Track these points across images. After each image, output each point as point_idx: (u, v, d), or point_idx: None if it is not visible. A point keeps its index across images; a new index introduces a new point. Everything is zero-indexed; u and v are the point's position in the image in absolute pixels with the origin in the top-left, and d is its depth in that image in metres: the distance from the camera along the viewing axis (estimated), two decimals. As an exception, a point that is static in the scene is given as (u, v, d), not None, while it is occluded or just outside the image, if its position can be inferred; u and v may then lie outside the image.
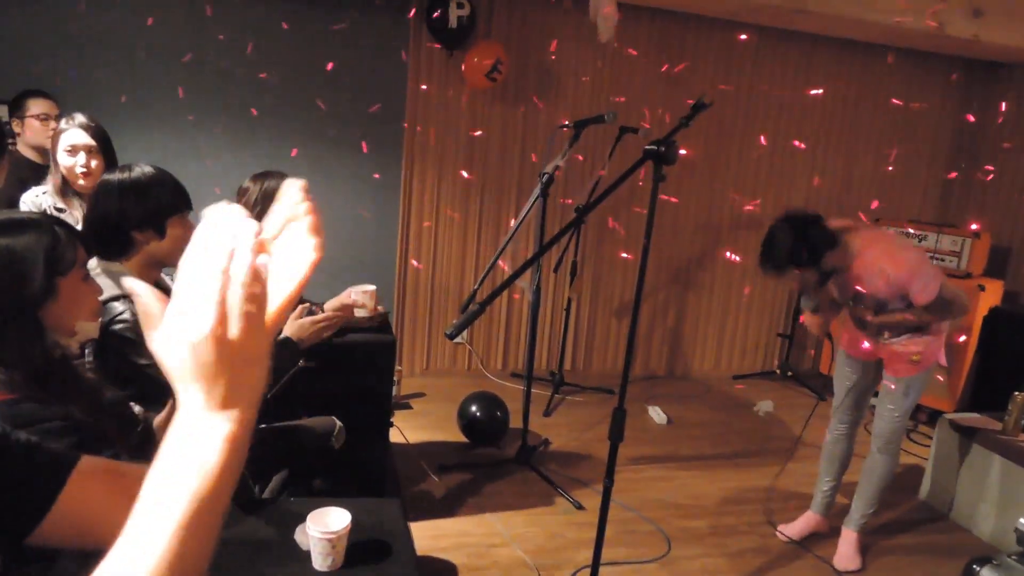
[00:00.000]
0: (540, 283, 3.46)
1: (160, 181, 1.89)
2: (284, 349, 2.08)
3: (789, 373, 5.37)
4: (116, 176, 1.86)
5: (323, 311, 2.37)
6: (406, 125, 4.44)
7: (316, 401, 2.51)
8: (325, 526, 1.50)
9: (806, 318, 2.89)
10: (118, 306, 1.79)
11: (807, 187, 5.28)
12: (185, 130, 4.04)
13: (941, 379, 2.96)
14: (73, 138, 2.56)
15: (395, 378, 3.88)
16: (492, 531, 2.99)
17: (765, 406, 4.69)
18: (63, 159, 2.57)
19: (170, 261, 1.97)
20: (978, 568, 1.48)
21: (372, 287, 2.57)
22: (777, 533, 3.16)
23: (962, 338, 4.32)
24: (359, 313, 2.50)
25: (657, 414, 4.41)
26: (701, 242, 5.20)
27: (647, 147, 1.91)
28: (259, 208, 2.55)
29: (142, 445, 1.37)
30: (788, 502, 3.45)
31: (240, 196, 2.60)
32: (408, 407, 4.26)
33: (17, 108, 3.12)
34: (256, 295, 0.59)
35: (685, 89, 4.72)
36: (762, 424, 4.49)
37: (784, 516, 3.27)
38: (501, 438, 3.78)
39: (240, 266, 0.58)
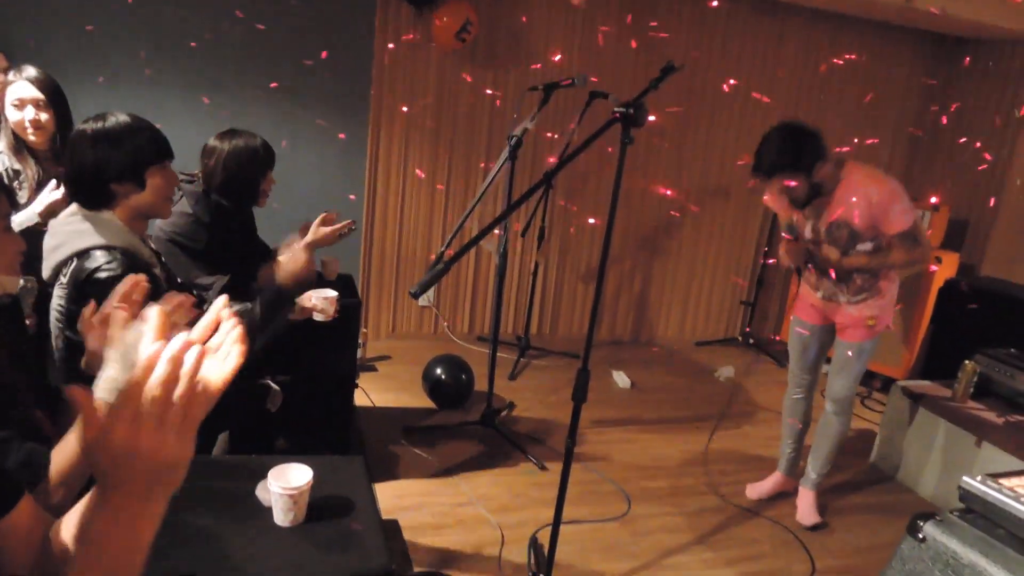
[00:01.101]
0: (507, 247, 3.46)
1: (135, 130, 1.82)
2: (280, 306, 2.06)
3: (751, 341, 5.48)
4: (90, 126, 1.80)
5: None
6: (372, 85, 4.36)
7: (280, 360, 2.49)
8: (287, 482, 1.51)
9: (785, 247, 2.88)
10: (100, 255, 1.74)
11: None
12: (143, 90, 3.91)
13: (892, 327, 3.01)
14: (20, 91, 2.46)
15: (360, 340, 3.87)
16: (456, 491, 3.02)
17: (726, 372, 4.78)
18: (11, 114, 2.47)
19: (154, 212, 1.92)
20: (922, 523, 1.54)
21: (333, 293, 2.48)
22: (746, 491, 3.26)
23: (899, 307, 4.45)
24: (317, 318, 2.44)
25: (621, 378, 4.48)
26: (668, 208, 5.24)
27: (616, 109, 1.90)
28: (222, 171, 2.48)
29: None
30: (747, 464, 3.55)
31: (207, 156, 2.53)
32: (373, 369, 4.25)
33: None
34: (173, 409, 0.69)
35: (658, 57, 4.70)
36: (723, 389, 4.58)
37: (742, 477, 3.37)
38: (466, 401, 3.81)
39: (155, 379, 0.68)
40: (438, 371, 3.76)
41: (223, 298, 0.79)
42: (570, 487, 2.18)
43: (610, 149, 4.51)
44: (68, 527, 0.90)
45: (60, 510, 0.93)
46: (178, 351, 0.69)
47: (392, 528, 1.97)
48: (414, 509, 2.85)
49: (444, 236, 4.79)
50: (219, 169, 2.50)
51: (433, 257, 4.62)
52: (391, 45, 4.32)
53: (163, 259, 2.09)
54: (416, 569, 2.49)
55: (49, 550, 0.90)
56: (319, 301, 2.43)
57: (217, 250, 2.46)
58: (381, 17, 4.27)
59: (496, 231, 3.18)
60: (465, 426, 3.57)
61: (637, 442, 3.71)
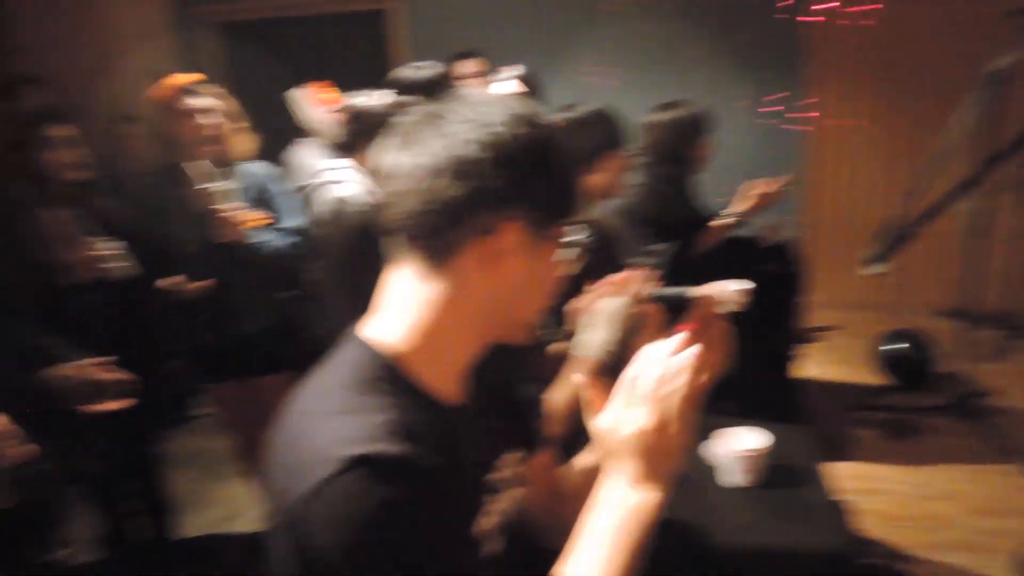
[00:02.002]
0: (984, 206, 2.90)
1: (597, 118, 1.93)
2: None
3: None
4: (560, 116, 1.95)
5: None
6: (803, 30, 4.01)
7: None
8: (738, 444, 1.52)
9: None
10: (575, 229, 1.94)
11: None
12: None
13: None
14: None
15: (803, 309, 3.68)
16: (918, 482, 2.68)
17: None
18: None
19: (607, 194, 2.00)
20: None
21: (748, 284, 2.31)
22: None
23: None
24: (723, 309, 2.27)
25: None
26: None
27: None
28: (663, 141, 2.59)
29: None
30: None
31: (648, 128, 2.67)
32: (817, 340, 4.01)
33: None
34: (687, 406, 0.76)
35: None
36: None
37: None
38: (926, 382, 3.34)
39: (679, 381, 0.76)
40: (895, 346, 3.37)
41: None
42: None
43: None
44: (574, 480, 1.03)
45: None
46: (692, 355, 0.78)
47: (842, 509, 1.84)
48: (868, 494, 2.61)
49: (899, 194, 4.24)
50: (660, 140, 2.62)
51: (888, 219, 4.14)
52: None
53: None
54: (869, 560, 2.30)
55: (558, 491, 1.04)
56: (730, 293, 2.29)
57: (664, 218, 2.58)
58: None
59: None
60: (933, 411, 3.13)
61: None
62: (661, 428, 0.75)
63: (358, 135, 2.13)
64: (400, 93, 2.16)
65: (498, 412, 0.96)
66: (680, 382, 0.76)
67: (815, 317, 4.24)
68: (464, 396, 0.87)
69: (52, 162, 2.12)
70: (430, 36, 4.48)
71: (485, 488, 0.88)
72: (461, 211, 0.75)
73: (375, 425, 0.72)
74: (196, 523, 2.90)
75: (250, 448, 2.63)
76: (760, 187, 2.67)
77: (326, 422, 0.74)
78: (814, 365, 3.54)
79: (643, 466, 0.76)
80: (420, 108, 0.80)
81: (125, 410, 1.74)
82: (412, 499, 0.70)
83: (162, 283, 2.24)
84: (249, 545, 2.69)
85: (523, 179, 0.75)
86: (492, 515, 0.86)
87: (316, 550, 0.70)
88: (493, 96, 0.81)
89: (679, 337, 0.79)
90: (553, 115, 2.01)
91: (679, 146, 2.62)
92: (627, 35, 4.22)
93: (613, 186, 2.03)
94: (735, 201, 2.70)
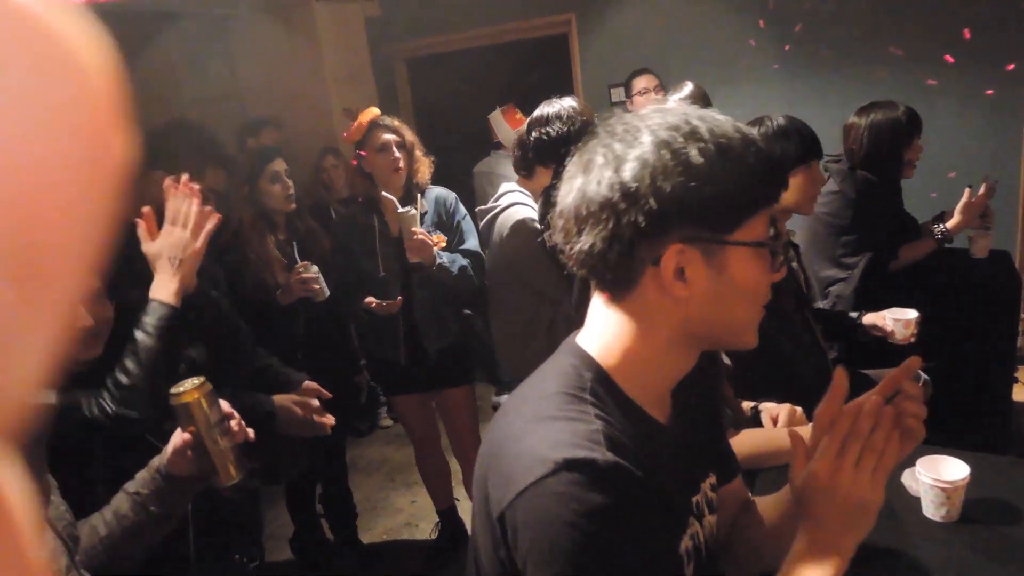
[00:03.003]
0: None
1: (787, 132, 1.85)
2: None
3: None
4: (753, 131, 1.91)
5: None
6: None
7: (928, 341, 2.28)
8: (938, 474, 1.41)
9: None
10: None
11: None
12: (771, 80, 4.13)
13: None
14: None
15: (1020, 328, 3.29)
16: None
17: None
18: None
19: (796, 210, 1.89)
20: None
21: (913, 314, 2.08)
22: None
23: None
24: (891, 340, 2.08)
25: None
26: None
27: None
28: (864, 145, 2.44)
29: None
30: None
31: (848, 133, 2.53)
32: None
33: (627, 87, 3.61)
34: (882, 474, 0.79)
35: None
36: None
37: None
38: None
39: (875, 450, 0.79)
40: None
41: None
42: None
43: None
44: (768, 516, 1.02)
45: None
46: (869, 409, 0.79)
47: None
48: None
49: None
50: (861, 144, 2.47)
51: None
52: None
53: (796, 247, 2.18)
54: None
55: (743, 520, 1.04)
56: (895, 324, 2.10)
57: (863, 226, 2.43)
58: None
59: None
60: None
61: None
62: (860, 494, 0.77)
63: (534, 158, 2.21)
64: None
65: (701, 432, 0.95)
66: (887, 455, 0.78)
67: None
68: (670, 415, 0.87)
69: (273, 194, 2.42)
70: (604, 55, 4.56)
71: (688, 508, 0.87)
72: (622, 246, 0.75)
73: (590, 431, 0.73)
74: (377, 529, 3.09)
75: (429, 458, 2.80)
76: (980, 197, 2.46)
77: (541, 426, 0.75)
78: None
79: (840, 527, 0.78)
80: (584, 141, 0.82)
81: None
82: (621, 507, 0.70)
83: (358, 303, 2.41)
84: (427, 552, 2.84)
85: (671, 201, 0.73)
86: (689, 539, 0.86)
87: (523, 551, 0.71)
88: (641, 121, 0.78)
89: (877, 399, 0.80)
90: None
91: (880, 151, 2.45)
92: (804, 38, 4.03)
93: (799, 203, 1.90)
94: (952, 212, 2.51)
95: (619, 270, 0.77)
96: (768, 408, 1.65)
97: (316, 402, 1.85)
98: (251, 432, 1.28)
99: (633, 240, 0.74)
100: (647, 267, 0.76)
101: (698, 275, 0.76)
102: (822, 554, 0.77)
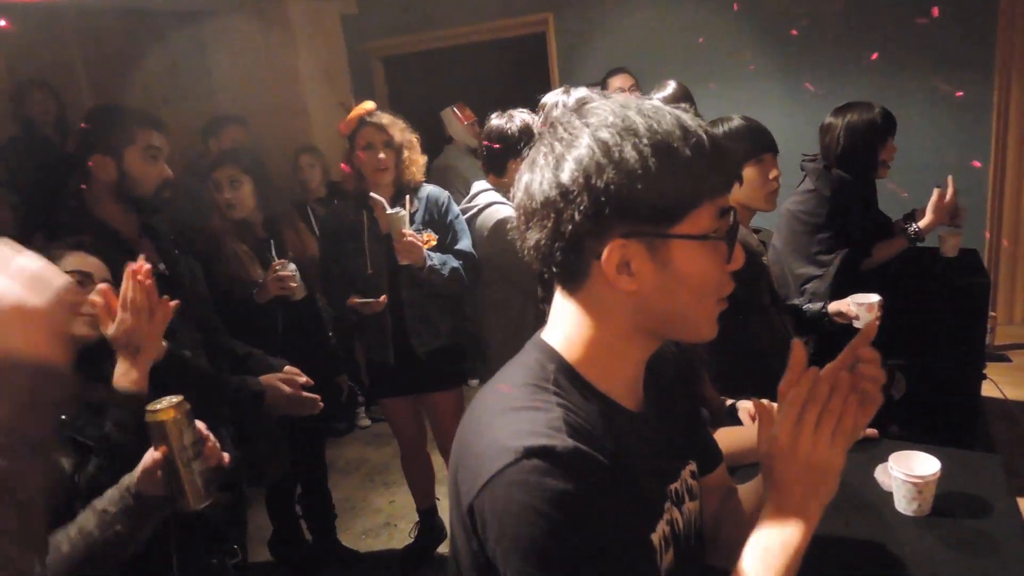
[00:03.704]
0: None
1: (740, 129, 1.88)
2: None
3: None
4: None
5: None
6: (997, 31, 3.69)
7: (885, 339, 2.34)
8: (910, 469, 1.43)
9: None
10: None
11: None
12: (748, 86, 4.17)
13: None
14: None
15: (988, 325, 3.36)
16: None
17: None
18: None
19: (751, 204, 1.93)
20: None
21: (876, 298, 2.14)
22: None
23: None
24: (856, 324, 2.13)
25: None
26: None
27: None
28: (839, 145, 2.48)
29: None
30: None
31: (824, 133, 2.56)
32: (1005, 359, 3.64)
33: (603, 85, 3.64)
34: (844, 440, 0.78)
35: None
36: None
37: None
38: None
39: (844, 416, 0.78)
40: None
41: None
42: None
43: None
44: (746, 502, 1.03)
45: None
46: (826, 374, 0.79)
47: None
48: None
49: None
50: (837, 144, 2.51)
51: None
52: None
53: (765, 243, 2.20)
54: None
55: (726, 508, 1.05)
56: (858, 308, 2.14)
57: (836, 224, 2.46)
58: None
59: None
60: None
61: None
62: (820, 457, 0.77)
63: (499, 155, 2.22)
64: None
65: (677, 421, 0.96)
66: (845, 417, 0.78)
67: (1004, 335, 3.86)
68: (641, 402, 0.88)
69: (227, 200, 2.40)
70: (581, 54, 4.58)
71: (662, 496, 0.87)
72: (565, 242, 0.77)
73: (552, 419, 0.74)
74: (356, 529, 3.07)
75: (414, 457, 2.79)
76: (950, 197, 2.50)
77: (504, 417, 0.76)
78: (1006, 387, 3.21)
79: (803, 492, 0.78)
80: (540, 136, 0.82)
81: (303, 418, 1.89)
82: (584, 492, 0.70)
83: (343, 303, 2.38)
84: (405, 552, 2.83)
85: (607, 199, 0.74)
86: (666, 525, 0.86)
87: (492, 540, 0.72)
88: (583, 119, 0.79)
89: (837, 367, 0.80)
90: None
91: (855, 150, 2.49)
92: (777, 35, 4.08)
93: (753, 197, 1.92)
94: (924, 211, 2.55)
95: (567, 265, 0.79)
96: (745, 406, 1.67)
97: (303, 377, 1.85)
98: (226, 456, 1.26)
99: (575, 236, 0.76)
100: (593, 261, 0.78)
101: (644, 269, 0.77)
102: (787, 519, 0.78)
